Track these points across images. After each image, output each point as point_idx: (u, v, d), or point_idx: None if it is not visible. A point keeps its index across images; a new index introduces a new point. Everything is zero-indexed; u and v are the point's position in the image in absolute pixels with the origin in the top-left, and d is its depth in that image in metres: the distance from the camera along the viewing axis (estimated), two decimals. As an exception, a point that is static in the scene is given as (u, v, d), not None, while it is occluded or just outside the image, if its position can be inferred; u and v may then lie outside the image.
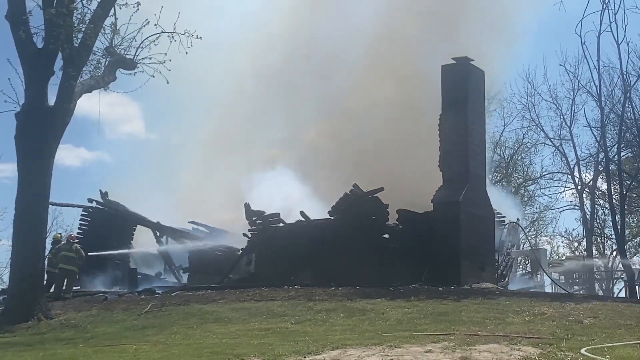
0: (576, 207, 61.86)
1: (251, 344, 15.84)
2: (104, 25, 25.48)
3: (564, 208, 63.43)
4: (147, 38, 26.24)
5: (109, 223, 36.37)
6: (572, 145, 58.88)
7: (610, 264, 59.11)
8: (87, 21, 24.79)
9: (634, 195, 48.75)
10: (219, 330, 19.11)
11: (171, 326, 20.36)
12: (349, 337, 16.14)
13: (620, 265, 51.37)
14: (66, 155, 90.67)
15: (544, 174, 62.40)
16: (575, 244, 63.83)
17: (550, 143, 60.39)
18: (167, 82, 26.32)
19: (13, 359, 16.40)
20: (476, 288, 26.90)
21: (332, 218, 29.25)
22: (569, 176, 61.17)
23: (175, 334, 18.82)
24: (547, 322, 18.94)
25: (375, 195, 28.78)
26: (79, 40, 24.63)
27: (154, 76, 26.11)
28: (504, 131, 61.57)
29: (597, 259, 56.90)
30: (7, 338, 20.79)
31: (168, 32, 26.07)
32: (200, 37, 26.55)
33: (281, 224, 30.67)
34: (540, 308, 21.28)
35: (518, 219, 37.25)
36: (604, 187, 53.05)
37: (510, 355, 13.22)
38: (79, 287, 30.83)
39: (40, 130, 24.02)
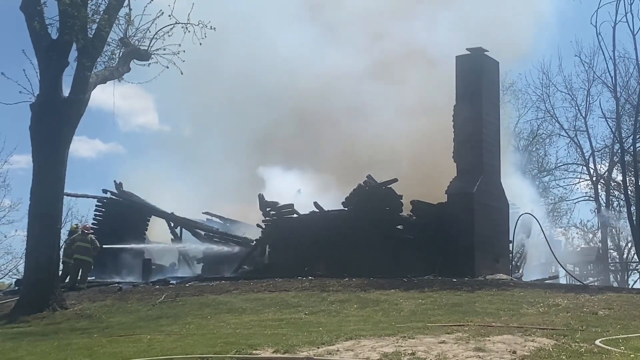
0: (591, 199, 61.59)
1: (265, 334, 15.77)
2: (118, 16, 25.44)
3: (579, 199, 63.17)
4: (161, 29, 26.18)
5: (124, 214, 36.48)
6: (587, 136, 58.72)
7: (625, 255, 58.86)
8: (102, 12, 24.77)
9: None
10: (232, 320, 19.00)
11: (185, 316, 20.32)
12: (362, 328, 16.08)
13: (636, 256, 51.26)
14: (81, 147, 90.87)
15: (558, 165, 62.18)
16: (590, 236, 63.55)
17: (565, 134, 60.28)
18: (182, 73, 26.34)
19: (28, 348, 16.27)
20: (490, 279, 26.87)
21: (346, 209, 29.20)
22: (584, 167, 60.97)
23: (189, 324, 18.76)
24: (561, 313, 18.92)
25: (389, 186, 28.74)
26: (93, 31, 24.65)
27: (168, 67, 26.12)
28: (518, 122, 61.28)
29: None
30: (22, 328, 20.86)
31: (182, 23, 25.99)
32: (214, 28, 26.52)
33: (295, 215, 30.62)
34: (555, 299, 21.27)
35: (533, 210, 37.04)
36: (619, 178, 52.85)
37: (524, 347, 13.19)
38: (93, 278, 30.89)
39: (55, 121, 24.04)
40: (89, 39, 24.41)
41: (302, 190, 32.59)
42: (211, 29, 26.27)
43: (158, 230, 38.63)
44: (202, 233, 36.09)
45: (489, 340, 14.06)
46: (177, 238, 36.88)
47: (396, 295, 22.20)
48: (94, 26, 24.65)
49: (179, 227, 37.11)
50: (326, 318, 18.89)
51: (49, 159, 24.03)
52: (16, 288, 31.21)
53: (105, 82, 26.10)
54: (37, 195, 23.99)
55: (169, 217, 36.83)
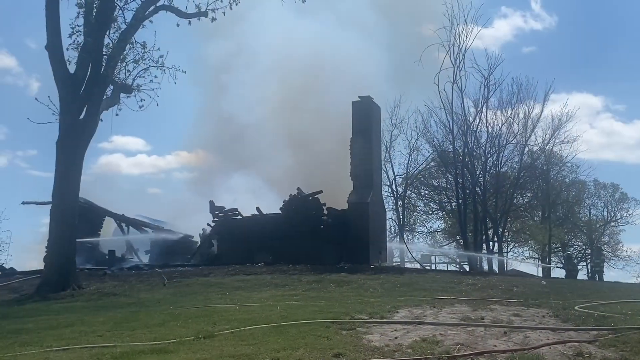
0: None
1: (319, 305, 14.35)
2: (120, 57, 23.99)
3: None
4: (143, 69, 24.94)
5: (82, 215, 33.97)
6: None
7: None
8: (108, 55, 23.30)
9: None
10: (255, 296, 17.49)
11: (206, 294, 18.49)
12: (386, 301, 15.05)
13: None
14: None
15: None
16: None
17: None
18: (157, 105, 25.21)
19: (92, 319, 13.99)
20: (396, 266, 27.05)
21: (281, 213, 28.64)
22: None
23: (225, 299, 16.93)
24: (485, 289, 19.18)
25: (316, 196, 28.43)
26: (103, 68, 23.11)
27: (151, 97, 24.84)
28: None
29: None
30: (71, 302, 18.86)
31: (158, 66, 24.88)
32: (185, 71, 25.72)
33: (239, 217, 29.66)
34: (460, 279, 21.58)
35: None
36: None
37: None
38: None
39: (74, 138, 22.36)
40: (101, 75, 22.87)
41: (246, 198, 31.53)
42: (182, 72, 25.36)
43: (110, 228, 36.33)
44: (150, 230, 34.25)
45: (496, 308, 14.12)
46: (125, 234, 34.71)
47: (351, 277, 21.43)
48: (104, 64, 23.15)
49: (127, 226, 34.91)
50: (330, 294, 17.68)
51: (69, 168, 22.28)
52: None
53: (108, 109, 24.44)
54: (58, 197, 22.19)
55: (120, 218, 34.65)
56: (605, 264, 43.93)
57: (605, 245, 56.07)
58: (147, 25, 23.81)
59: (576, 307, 13.84)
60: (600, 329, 10.97)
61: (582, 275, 47.64)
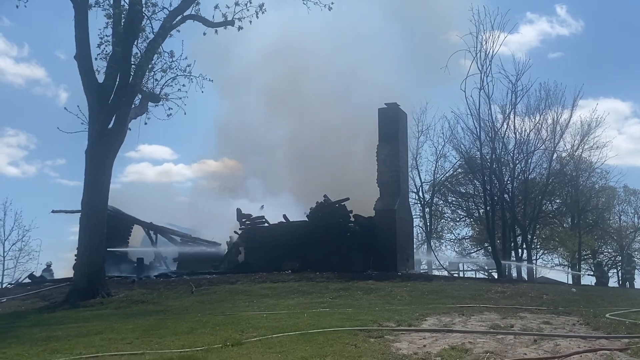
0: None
1: (347, 313, 14.48)
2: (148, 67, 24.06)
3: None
4: (171, 78, 24.94)
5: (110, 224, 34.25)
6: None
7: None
8: (136, 65, 23.44)
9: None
10: (283, 303, 17.45)
11: (234, 301, 18.40)
12: (413, 309, 15.06)
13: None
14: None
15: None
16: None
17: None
18: (185, 113, 25.17)
19: (121, 327, 14.10)
20: (420, 273, 26.84)
21: (308, 221, 28.64)
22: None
23: (252, 307, 16.84)
24: (515, 297, 18.96)
25: (343, 203, 28.38)
26: (131, 78, 23.24)
27: (178, 106, 24.84)
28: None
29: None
30: (99, 310, 18.91)
31: (185, 75, 24.88)
32: (212, 80, 25.77)
33: (266, 224, 29.69)
34: (489, 287, 21.37)
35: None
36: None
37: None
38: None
39: (103, 147, 22.51)
40: (129, 84, 23.03)
41: (264, 207, 31.51)
42: (209, 80, 25.43)
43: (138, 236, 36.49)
44: (179, 239, 34.40)
45: (525, 316, 13.97)
46: (153, 243, 34.82)
47: (378, 285, 21.35)
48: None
49: (156, 234, 35.01)
50: (357, 302, 17.68)
51: (98, 177, 22.44)
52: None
53: (136, 118, 24.57)
54: (87, 206, 22.32)
55: (148, 226, 34.81)
56: (636, 271, 43.27)
57: (636, 252, 55.32)
58: (174, 34, 23.88)
59: (607, 315, 13.67)
60: (632, 336, 10.83)
61: (612, 282, 47.09)
